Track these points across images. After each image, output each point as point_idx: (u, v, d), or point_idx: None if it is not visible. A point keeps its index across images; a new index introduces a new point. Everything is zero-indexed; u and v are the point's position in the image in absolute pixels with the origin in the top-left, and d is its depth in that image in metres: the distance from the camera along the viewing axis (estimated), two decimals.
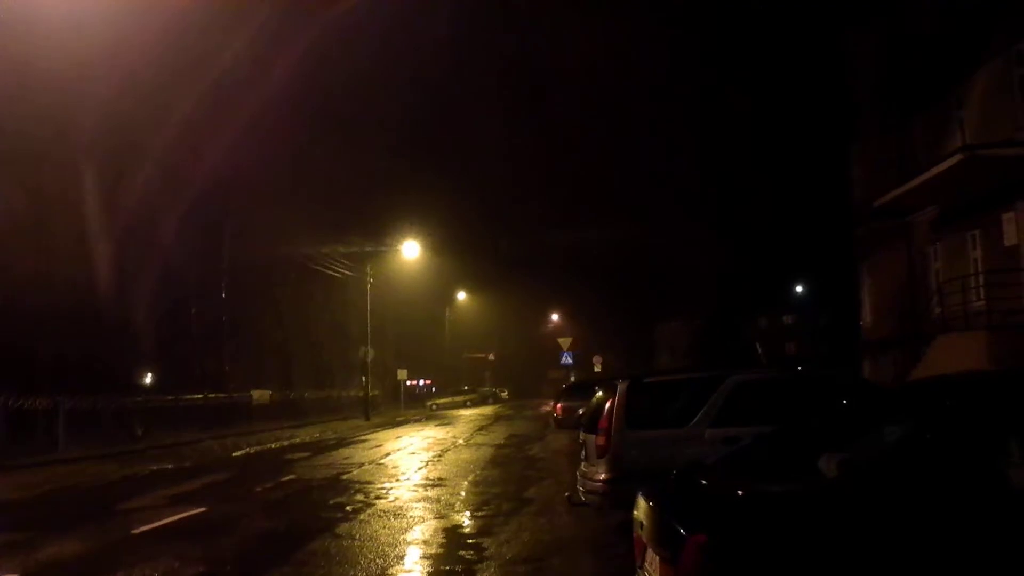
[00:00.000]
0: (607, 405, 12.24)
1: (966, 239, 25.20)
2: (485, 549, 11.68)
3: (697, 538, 4.59)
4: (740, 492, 5.16)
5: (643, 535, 5.68)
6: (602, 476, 11.89)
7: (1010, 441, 5.04)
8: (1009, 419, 5.11)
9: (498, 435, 35.17)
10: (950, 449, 4.91)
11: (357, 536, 12.73)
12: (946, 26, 25.10)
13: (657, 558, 5.24)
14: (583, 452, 13.32)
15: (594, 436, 12.40)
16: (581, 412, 30.64)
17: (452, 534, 12.85)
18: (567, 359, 56.58)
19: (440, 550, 11.76)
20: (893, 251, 29.72)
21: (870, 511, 4.55)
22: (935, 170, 23.09)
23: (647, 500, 5.72)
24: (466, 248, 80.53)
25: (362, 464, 24.15)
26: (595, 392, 16.22)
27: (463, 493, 17.56)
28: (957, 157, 21.81)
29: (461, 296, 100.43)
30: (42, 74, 31.21)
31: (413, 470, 22.18)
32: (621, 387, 12.22)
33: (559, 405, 37.02)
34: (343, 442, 33.62)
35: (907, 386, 9.19)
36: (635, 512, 5.95)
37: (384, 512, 14.95)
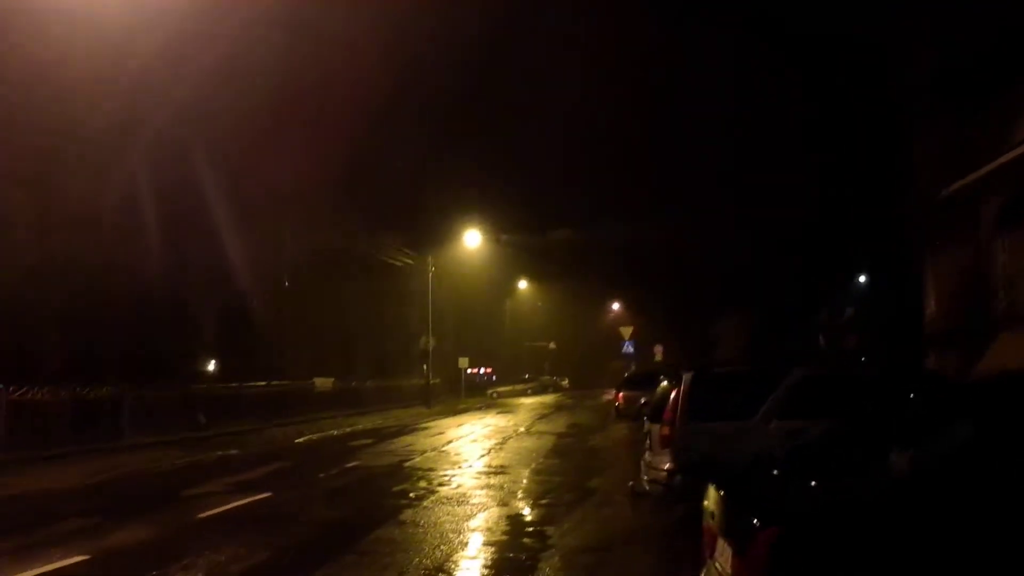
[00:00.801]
0: (672, 396, 12.23)
1: None
2: (548, 537, 11.71)
3: (772, 530, 4.59)
4: (813, 484, 5.15)
5: (714, 525, 5.68)
6: (666, 466, 11.89)
7: None
8: None
9: (559, 424, 35.17)
10: (1017, 445, 4.87)
11: (421, 523, 12.81)
12: (1017, 7, 24.69)
13: (729, 549, 5.24)
14: (647, 442, 13.32)
15: (659, 426, 12.40)
16: (643, 402, 30.71)
17: (515, 522, 12.90)
18: (628, 348, 56.45)
19: (503, 537, 11.81)
20: (958, 243, 29.29)
21: (944, 509, 4.53)
22: (1004, 158, 22.74)
23: (719, 490, 5.72)
24: (527, 238, 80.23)
25: (424, 451, 24.26)
26: (657, 382, 16.19)
27: (525, 481, 17.60)
28: None
29: (522, 285, 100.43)
30: (93, 71, 31.52)
31: (475, 458, 22.27)
32: (686, 378, 12.20)
33: (620, 395, 36.91)
34: (405, 430, 33.76)
35: (976, 382, 9.12)
36: (706, 502, 5.95)
37: (447, 499, 15.03)
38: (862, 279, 73.72)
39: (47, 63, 30.02)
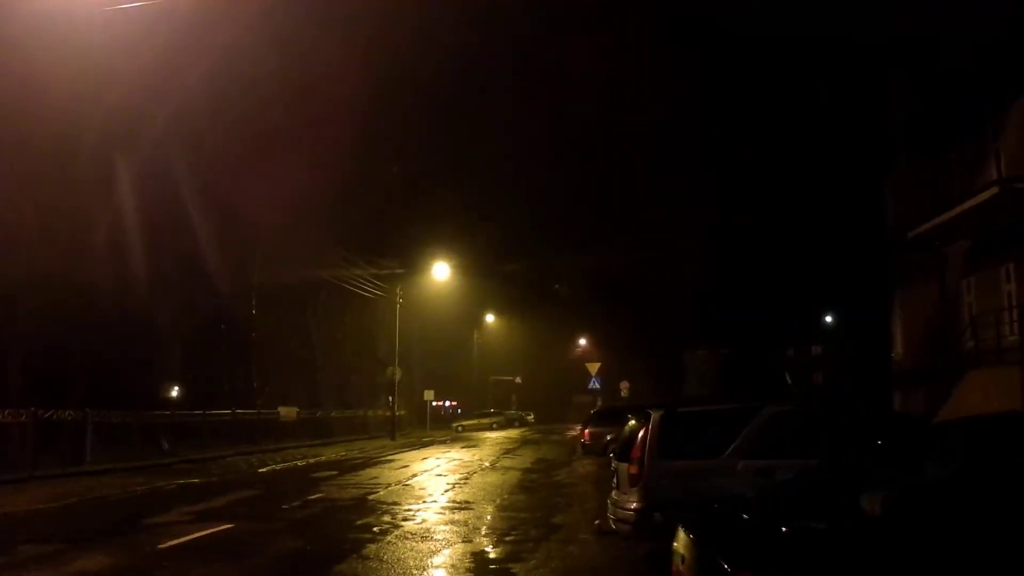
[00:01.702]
0: (640, 434, 12.17)
1: (1000, 272, 24.95)
2: (514, 575, 11.60)
3: (743, 575, 4.53)
4: (784, 529, 5.10)
5: (684, 569, 5.61)
6: (634, 505, 11.81)
7: None
8: None
9: (525, 459, 35.03)
10: (996, 490, 4.83)
11: (384, 558, 12.67)
12: (982, 58, 24.94)
13: None
14: (615, 480, 13.24)
15: (627, 465, 12.33)
16: (609, 438, 30.69)
17: (480, 559, 12.78)
18: (595, 384, 56.43)
19: (468, 574, 11.71)
20: (926, 283, 29.49)
21: (917, 551, 4.48)
22: (970, 202, 22.92)
23: (688, 533, 5.66)
24: (494, 272, 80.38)
25: (389, 485, 24.11)
26: (624, 419, 16.12)
27: (490, 517, 17.47)
28: (993, 190, 21.65)
29: (489, 319, 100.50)
30: (70, 84, 31.38)
31: (440, 492, 22.11)
32: (655, 417, 12.15)
33: (587, 431, 36.87)
34: (370, 462, 33.60)
35: (947, 423, 9.11)
36: (675, 544, 5.89)
37: (411, 534, 14.89)
38: (828, 318, 74.16)
39: (20, 76, 29.86)
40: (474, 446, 45.91)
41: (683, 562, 5.63)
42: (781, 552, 4.78)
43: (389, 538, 14.44)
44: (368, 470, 29.64)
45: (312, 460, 34.54)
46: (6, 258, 31.84)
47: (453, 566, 12.29)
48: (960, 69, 26.35)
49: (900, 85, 30.98)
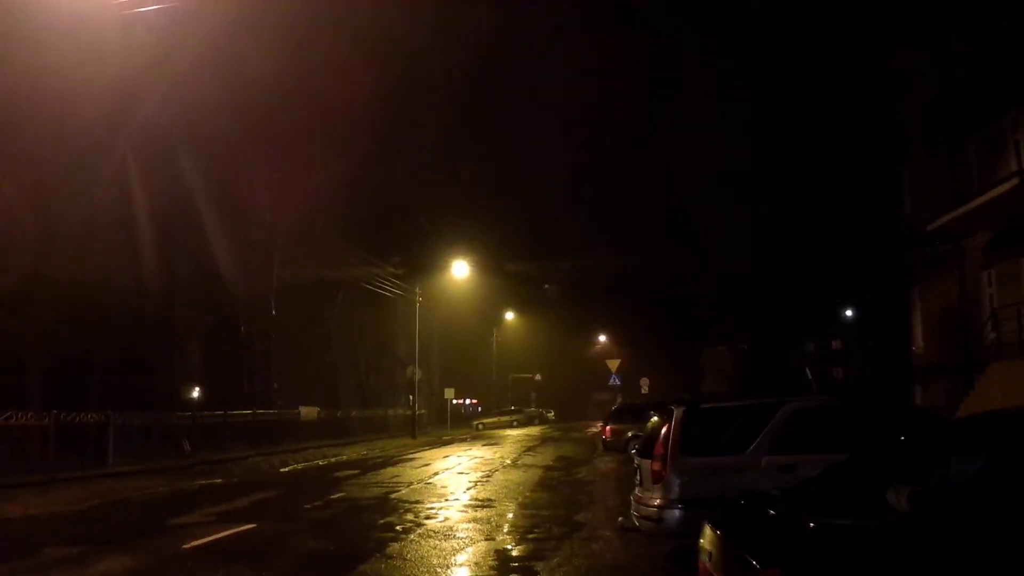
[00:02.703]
0: (663, 431, 12.13)
1: (1021, 264, 24.86)
2: (537, 573, 11.58)
3: (772, 572, 4.51)
4: (812, 525, 5.07)
5: (710, 565, 5.59)
6: (657, 502, 11.77)
7: None
8: None
9: (546, 457, 35.01)
10: None
11: (408, 556, 12.67)
12: (1002, 48, 24.81)
13: None
14: (638, 477, 13.21)
15: (649, 462, 12.29)
16: (630, 435, 30.68)
17: (503, 557, 12.76)
18: (615, 381, 56.40)
19: (491, 572, 11.68)
20: (945, 276, 29.39)
21: (945, 548, 4.45)
22: (990, 194, 22.84)
23: (715, 529, 5.64)
24: (514, 270, 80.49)
25: (410, 483, 24.11)
26: (644, 415, 16.11)
27: (512, 515, 17.45)
28: (1013, 181, 21.55)
29: (509, 316, 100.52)
30: (88, 90, 31.48)
31: (462, 490, 22.11)
32: (677, 413, 12.11)
33: (607, 428, 36.86)
34: (390, 460, 33.63)
35: (974, 417, 9.07)
36: (701, 540, 5.87)
37: (434, 532, 14.89)
38: (848, 312, 73.98)
39: (41, 82, 29.97)
40: (495, 444, 45.90)
41: (710, 559, 5.61)
42: (808, 549, 4.76)
43: (412, 537, 14.43)
44: (389, 469, 29.65)
45: (333, 460, 34.59)
46: (26, 262, 32.01)
47: (476, 564, 12.27)
48: (978, 60, 26.24)
49: (918, 76, 30.88)
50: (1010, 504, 4.63)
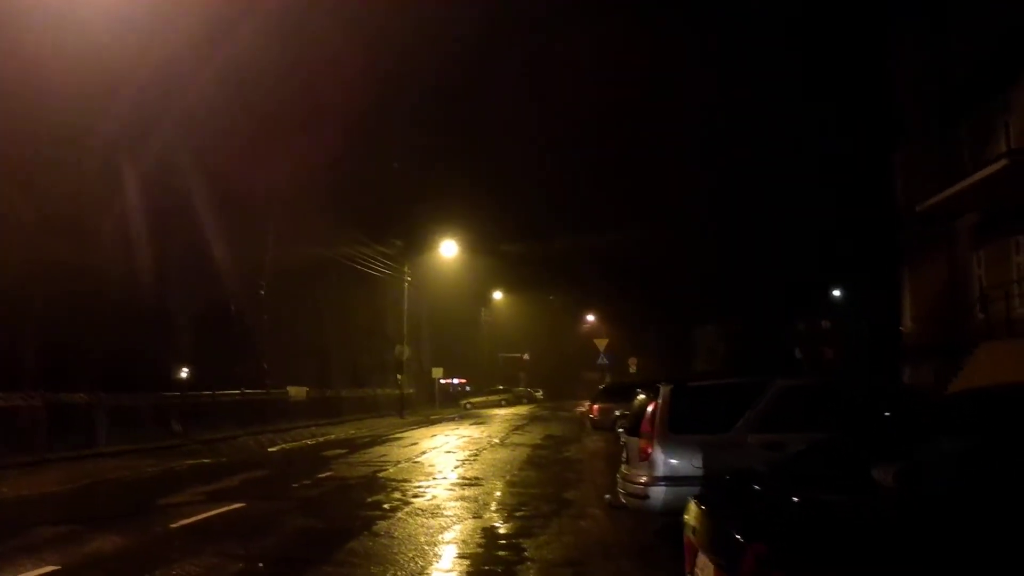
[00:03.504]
0: (650, 408, 12.16)
1: (1010, 245, 24.89)
2: (524, 550, 11.61)
3: (756, 547, 4.51)
4: (796, 500, 5.08)
5: (695, 540, 5.60)
6: (644, 479, 11.81)
7: None
8: None
9: (534, 435, 35.06)
10: (1013, 460, 4.81)
11: (396, 535, 12.70)
12: (992, 30, 24.81)
13: (711, 565, 5.16)
14: (624, 455, 13.25)
15: (637, 439, 12.33)
16: (618, 414, 30.74)
17: (490, 534, 12.80)
18: (604, 360, 56.47)
19: (479, 550, 11.70)
20: (935, 257, 29.44)
21: (932, 523, 4.46)
22: (979, 175, 22.85)
23: (700, 505, 5.65)
24: (503, 249, 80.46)
25: (398, 462, 24.15)
26: (632, 394, 16.11)
27: (500, 493, 17.51)
28: (1002, 162, 21.55)
29: (497, 296, 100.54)
30: (78, 74, 31.35)
31: (449, 469, 22.16)
32: (664, 391, 12.14)
33: (595, 407, 37.02)
34: (379, 440, 33.66)
35: (961, 394, 9.05)
36: (686, 516, 5.88)
37: (422, 511, 14.93)
38: (837, 293, 74.03)
39: (30, 67, 29.85)
40: (483, 423, 45.97)
41: (694, 534, 5.62)
42: (793, 523, 4.77)
43: (400, 515, 14.46)
44: (378, 448, 29.70)
45: (322, 439, 34.65)
46: (18, 246, 31.91)
47: (464, 542, 12.30)
48: (969, 40, 26.24)
49: (909, 57, 30.86)
50: (993, 480, 4.64)
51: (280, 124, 45.65)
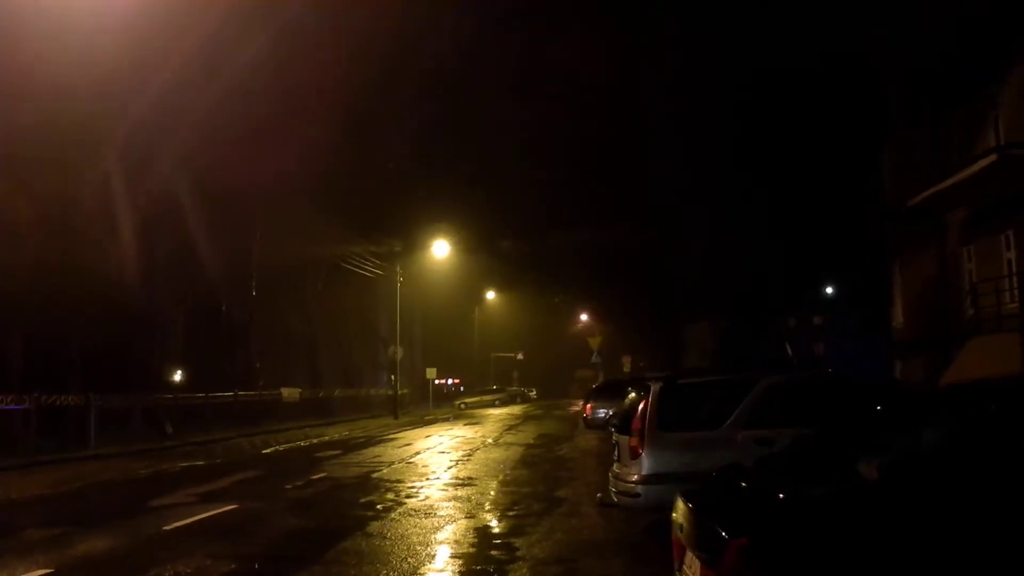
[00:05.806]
0: (640, 406, 12.20)
1: (1000, 240, 24.94)
2: (516, 549, 11.65)
3: (739, 541, 4.56)
4: (781, 495, 5.12)
5: (682, 537, 5.65)
6: (635, 477, 11.85)
7: None
8: None
9: (527, 435, 35.07)
10: (993, 454, 4.85)
11: (388, 535, 12.73)
12: (980, 25, 24.86)
13: (697, 561, 5.21)
14: (616, 453, 13.28)
15: (627, 437, 12.36)
16: (611, 412, 30.77)
17: (483, 534, 12.84)
18: (597, 359, 56.51)
19: (471, 550, 11.74)
20: (925, 252, 29.50)
21: (913, 516, 4.50)
22: (969, 170, 22.92)
23: (686, 502, 5.69)
24: (496, 247, 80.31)
25: (392, 463, 24.15)
26: (624, 393, 16.15)
27: (493, 493, 17.54)
28: (991, 157, 21.64)
29: (490, 296, 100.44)
30: (66, 71, 31.27)
31: (443, 469, 22.17)
32: (654, 388, 12.18)
33: (588, 405, 37.03)
34: (372, 440, 33.64)
35: (944, 389, 9.10)
36: (674, 514, 5.92)
37: (415, 511, 14.95)
38: (828, 289, 74.17)
39: (17, 64, 29.79)
40: (477, 423, 45.93)
41: (682, 531, 5.67)
42: (777, 518, 4.81)
43: (393, 515, 14.49)
44: (371, 449, 29.69)
45: (315, 440, 34.61)
46: (5, 246, 31.83)
47: (456, 541, 12.34)
48: (958, 34, 26.28)
49: (897, 52, 30.90)
50: (974, 472, 4.69)
51: (271, 122, 45.55)
